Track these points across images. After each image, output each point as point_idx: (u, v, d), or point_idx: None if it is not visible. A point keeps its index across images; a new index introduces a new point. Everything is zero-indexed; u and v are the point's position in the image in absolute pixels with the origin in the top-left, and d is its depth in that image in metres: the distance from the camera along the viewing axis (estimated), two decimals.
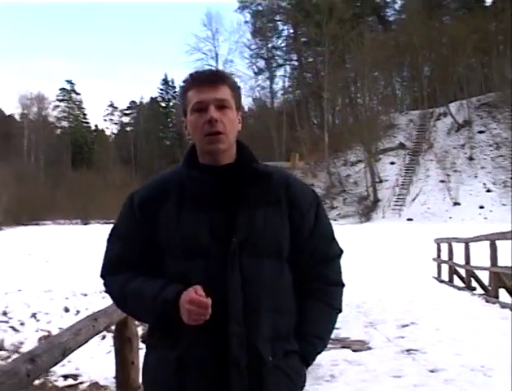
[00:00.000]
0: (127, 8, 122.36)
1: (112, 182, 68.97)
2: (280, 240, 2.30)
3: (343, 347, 8.31)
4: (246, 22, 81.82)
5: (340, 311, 2.54)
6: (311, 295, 2.41)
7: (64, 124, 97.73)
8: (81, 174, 71.15)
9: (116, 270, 2.35)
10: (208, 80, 2.30)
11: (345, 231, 43.94)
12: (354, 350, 8.05)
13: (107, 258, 2.41)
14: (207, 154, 2.31)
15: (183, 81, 2.37)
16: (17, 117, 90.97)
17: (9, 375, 2.66)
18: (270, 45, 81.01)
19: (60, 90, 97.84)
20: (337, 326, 8.99)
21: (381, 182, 63.72)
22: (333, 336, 9.06)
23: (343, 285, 2.53)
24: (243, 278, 2.21)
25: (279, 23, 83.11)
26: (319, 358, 7.41)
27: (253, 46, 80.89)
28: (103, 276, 2.41)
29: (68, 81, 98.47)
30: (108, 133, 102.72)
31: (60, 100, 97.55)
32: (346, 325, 9.83)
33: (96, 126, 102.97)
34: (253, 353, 2.21)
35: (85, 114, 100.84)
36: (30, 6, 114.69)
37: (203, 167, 2.31)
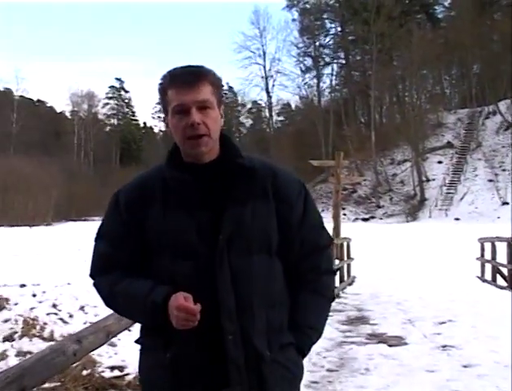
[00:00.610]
0: (175, 7, 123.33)
1: None
2: (269, 234, 2.27)
3: (380, 342, 8.47)
4: (294, 20, 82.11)
5: (333, 299, 2.53)
6: (303, 286, 2.38)
7: (113, 121, 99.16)
8: (130, 171, 71.76)
9: (105, 269, 2.33)
10: (188, 80, 2.22)
11: (391, 230, 44.02)
12: (390, 345, 8.18)
13: (95, 257, 2.39)
14: (189, 155, 2.27)
15: (162, 79, 2.30)
16: (68, 115, 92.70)
17: (58, 353, 2.95)
18: (317, 43, 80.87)
19: (110, 87, 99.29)
20: (374, 322, 9.20)
21: (428, 181, 63.27)
22: (370, 332, 9.26)
23: (334, 273, 2.53)
24: (233, 276, 2.19)
25: (326, 21, 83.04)
26: (355, 351, 7.60)
27: (300, 45, 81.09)
28: (92, 276, 2.39)
29: (118, 79, 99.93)
30: (156, 130, 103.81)
31: (110, 98, 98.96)
32: (384, 321, 10.01)
33: (145, 123, 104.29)
34: (250, 349, 2.20)
35: (133, 111, 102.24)
36: (82, 5, 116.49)
37: (186, 165, 2.26)
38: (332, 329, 9.35)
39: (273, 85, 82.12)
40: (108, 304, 2.37)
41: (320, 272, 2.41)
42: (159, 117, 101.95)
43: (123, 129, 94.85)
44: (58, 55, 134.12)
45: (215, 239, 2.18)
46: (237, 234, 2.21)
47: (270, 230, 2.27)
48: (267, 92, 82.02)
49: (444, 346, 8.05)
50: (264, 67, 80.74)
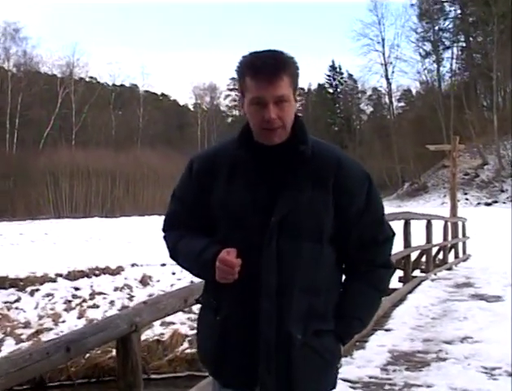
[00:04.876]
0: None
1: None
2: (322, 224, 2.31)
3: (479, 299, 9.77)
4: (412, 5, 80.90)
5: (385, 294, 2.61)
6: (356, 277, 2.44)
7: (235, 112, 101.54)
8: None
9: (174, 226, 2.53)
10: (267, 75, 2.25)
11: None
12: (488, 302, 9.45)
13: (167, 215, 2.58)
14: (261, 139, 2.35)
15: (240, 63, 2.34)
16: (191, 107, 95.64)
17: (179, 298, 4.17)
18: (437, 27, 79.53)
19: (230, 79, 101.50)
20: (478, 286, 10.54)
21: None
22: (472, 293, 10.57)
23: (392, 268, 2.55)
24: (278, 258, 2.26)
25: (445, 4, 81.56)
26: (457, 306, 8.99)
27: (419, 30, 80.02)
28: (163, 229, 2.59)
29: None
30: None
31: (231, 89, 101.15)
32: (487, 285, 11.36)
33: None
34: (283, 330, 2.28)
35: None
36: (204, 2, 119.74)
37: (255, 145, 2.35)
38: (439, 291, 10.78)
39: (393, 72, 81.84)
40: (171, 256, 2.57)
41: (375, 265, 2.45)
42: None
43: (244, 120, 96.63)
44: (179, 49, 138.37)
45: (268, 219, 2.28)
46: (289, 218, 2.28)
47: (323, 221, 2.32)
48: (387, 78, 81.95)
49: None
50: (383, 53, 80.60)
